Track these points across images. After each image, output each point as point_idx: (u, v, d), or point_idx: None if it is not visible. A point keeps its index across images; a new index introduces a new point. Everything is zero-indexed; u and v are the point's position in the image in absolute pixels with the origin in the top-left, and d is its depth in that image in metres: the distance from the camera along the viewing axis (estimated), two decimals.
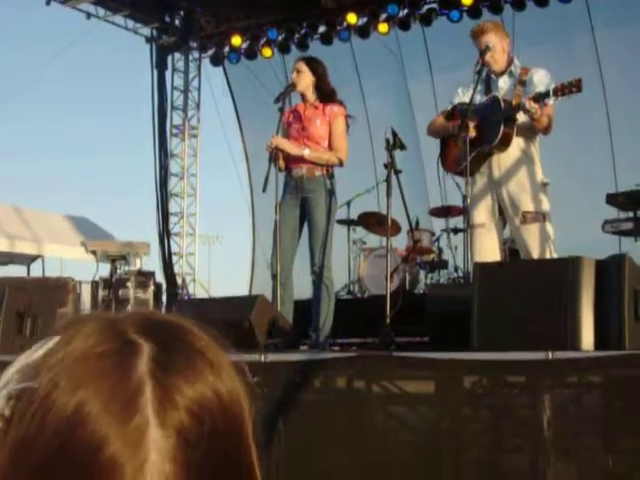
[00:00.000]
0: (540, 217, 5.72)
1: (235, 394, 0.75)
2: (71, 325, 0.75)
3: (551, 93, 5.49)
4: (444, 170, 6.09)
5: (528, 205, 5.76)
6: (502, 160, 5.83)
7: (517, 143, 5.80)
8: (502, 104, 5.69)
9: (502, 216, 5.92)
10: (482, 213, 5.88)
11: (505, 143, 5.74)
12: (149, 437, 0.69)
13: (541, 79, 5.79)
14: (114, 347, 0.71)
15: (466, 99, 5.93)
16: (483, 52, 5.86)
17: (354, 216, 9.82)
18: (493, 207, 5.87)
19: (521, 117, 5.71)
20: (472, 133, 5.77)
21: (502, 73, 5.93)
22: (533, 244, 5.73)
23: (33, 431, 0.68)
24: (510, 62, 5.96)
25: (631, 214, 8.36)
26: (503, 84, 5.92)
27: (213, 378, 0.73)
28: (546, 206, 5.80)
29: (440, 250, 9.60)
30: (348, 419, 5.05)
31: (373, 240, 10.21)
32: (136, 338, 0.73)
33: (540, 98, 5.55)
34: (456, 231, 9.36)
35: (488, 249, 5.79)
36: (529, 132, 5.83)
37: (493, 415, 4.66)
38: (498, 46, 5.86)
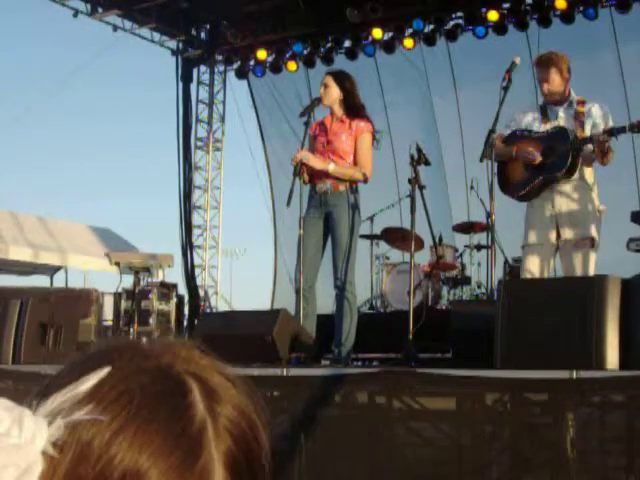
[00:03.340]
0: (589, 243, 5.76)
1: (251, 411, 0.75)
2: (113, 353, 0.73)
3: (627, 129, 5.51)
4: (503, 193, 6.12)
5: (582, 231, 5.81)
6: (563, 187, 5.88)
7: (577, 171, 5.86)
8: (570, 135, 5.74)
9: (557, 241, 5.94)
10: (536, 235, 5.92)
11: (572, 172, 5.81)
12: (215, 475, 0.69)
13: (597, 112, 5.84)
14: (170, 388, 0.71)
15: (523, 125, 5.99)
16: (510, 68, 5.90)
17: (377, 231, 9.81)
18: (549, 231, 5.89)
19: (585, 148, 5.78)
20: (538, 159, 5.82)
21: (561, 103, 5.96)
22: (578, 271, 5.74)
23: (90, 478, 0.66)
24: (569, 92, 5.98)
25: None
26: (562, 114, 5.96)
27: (238, 398, 0.74)
28: (597, 234, 5.83)
29: (463, 266, 9.58)
30: (369, 434, 5.03)
31: (396, 255, 10.19)
32: (186, 378, 0.73)
33: (615, 133, 5.58)
34: (479, 247, 9.34)
35: (534, 270, 5.83)
36: (589, 162, 5.89)
37: (516, 433, 4.63)
38: (557, 79, 5.89)
